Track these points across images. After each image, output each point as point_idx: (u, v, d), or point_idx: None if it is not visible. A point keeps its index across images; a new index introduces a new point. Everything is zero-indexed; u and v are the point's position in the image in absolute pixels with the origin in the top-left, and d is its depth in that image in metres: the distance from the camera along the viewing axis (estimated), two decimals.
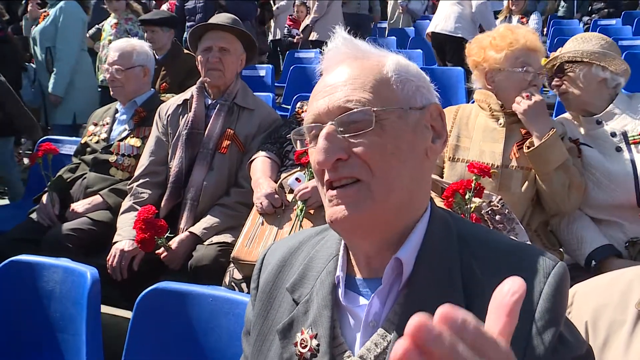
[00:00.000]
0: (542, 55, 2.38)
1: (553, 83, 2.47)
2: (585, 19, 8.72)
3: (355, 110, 0.89)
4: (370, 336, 0.91)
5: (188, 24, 5.47)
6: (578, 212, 2.32)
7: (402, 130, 0.91)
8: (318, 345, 0.94)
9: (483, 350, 0.49)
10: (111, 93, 3.28)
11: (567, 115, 2.51)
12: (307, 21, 7.73)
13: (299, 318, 0.98)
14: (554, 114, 4.52)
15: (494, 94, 2.35)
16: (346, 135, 0.90)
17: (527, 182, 2.26)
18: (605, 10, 8.47)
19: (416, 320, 0.47)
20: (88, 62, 5.40)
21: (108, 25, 5.52)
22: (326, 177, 0.92)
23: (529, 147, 2.21)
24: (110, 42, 5.07)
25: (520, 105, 2.25)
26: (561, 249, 2.40)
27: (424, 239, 0.94)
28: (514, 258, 0.91)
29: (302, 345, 0.95)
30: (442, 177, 2.34)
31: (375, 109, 0.89)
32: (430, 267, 0.91)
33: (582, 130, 2.39)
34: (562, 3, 9.60)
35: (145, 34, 4.60)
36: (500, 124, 2.32)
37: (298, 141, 1.00)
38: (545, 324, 0.86)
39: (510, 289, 0.53)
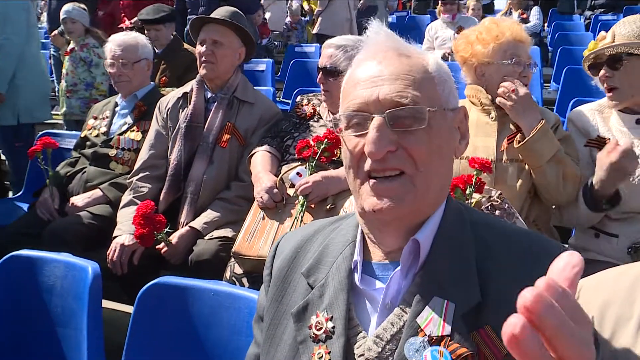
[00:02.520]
0: (529, 45, 2.34)
1: (602, 74, 2.21)
2: (587, 13, 8.69)
3: (410, 106, 0.93)
4: (387, 317, 0.94)
5: (189, 17, 5.44)
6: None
7: (443, 130, 0.96)
8: (333, 327, 0.96)
9: (578, 320, 0.50)
10: (115, 87, 3.25)
11: (584, 108, 2.35)
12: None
13: (314, 301, 1.00)
14: (555, 109, 4.52)
15: (483, 89, 2.34)
16: (396, 129, 0.93)
17: (522, 175, 2.25)
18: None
19: (531, 292, 0.48)
20: (34, 54, 4.69)
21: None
22: (367, 166, 0.95)
23: (519, 142, 2.19)
24: (68, 73, 4.83)
25: (506, 101, 2.22)
26: (564, 245, 2.39)
27: (440, 223, 0.98)
28: (524, 242, 0.96)
29: (317, 327, 0.97)
30: None
31: (429, 108, 0.93)
32: (445, 249, 0.95)
33: (612, 125, 2.24)
34: None
35: (147, 33, 4.47)
36: (492, 117, 2.32)
37: (334, 127, 1.03)
38: None
39: (569, 262, 0.54)
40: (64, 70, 4.93)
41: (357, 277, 0.99)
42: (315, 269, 1.04)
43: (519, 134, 2.21)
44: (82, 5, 5.01)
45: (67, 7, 4.94)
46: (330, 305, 0.98)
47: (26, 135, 4.54)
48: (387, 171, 0.94)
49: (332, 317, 0.97)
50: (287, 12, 8.90)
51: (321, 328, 0.97)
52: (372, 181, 0.95)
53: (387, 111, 0.93)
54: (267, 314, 1.07)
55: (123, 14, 5.81)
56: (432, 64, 0.99)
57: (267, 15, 8.12)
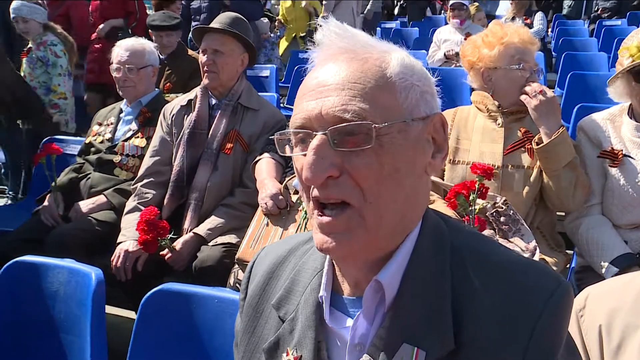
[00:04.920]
0: (536, 49, 2.33)
1: None
2: (592, 16, 8.70)
3: (353, 123, 0.79)
4: None
5: (193, 23, 5.46)
6: (600, 217, 2.23)
7: (402, 147, 0.81)
8: None
9: None
10: (120, 92, 3.26)
11: (595, 117, 2.31)
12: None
13: (284, 337, 0.92)
14: None
15: (490, 95, 2.33)
16: (340, 148, 0.80)
17: (529, 182, 2.24)
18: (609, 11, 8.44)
19: None
20: None
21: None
22: (313, 192, 0.83)
23: (538, 144, 2.18)
24: (26, 76, 4.34)
25: (532, 100, 2.20)
26: (568, 251, 2.38)
27: (412, 256, 0.86)
28: (511, 275, 0.83)
29: None
30: (442, 179, 2.33)
31: (376, 125, 0.78)
32: (416, 287, 0.84)
33: (624, 135, 2.20)
34: (568, 1, 9.55)
35: (155, 39, 4.40)
36: (499, 124, 2.31)
37: (287, 145, 0.87)
38: (539, 357, 0.78)
39: None
40: (21, 74, 4.43)
41: (325, 313, 0.89)
42: (285, 300, 0.95)
43: (538, 136, 2.20)
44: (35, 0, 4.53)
45: (15, 4, 4.42)
46: (299, 343, 0.90)
47: None
48: (330, 199, 0.81)
49: (301, 356, 0.89)
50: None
51: None
52: (319, 217, 0.83)
53: (330, 128, 0.79)
54: (240, 344, 1.00)
55: (94, 15, 5.69)
56: (395, 65, 0.83)
57: None
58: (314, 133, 0.81)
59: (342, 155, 0.80)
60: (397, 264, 0.85)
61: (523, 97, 2.24)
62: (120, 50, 3.19)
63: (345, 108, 0.79)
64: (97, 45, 5.55)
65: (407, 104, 0.82)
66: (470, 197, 2.03)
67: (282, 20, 8.16)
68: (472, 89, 2.49)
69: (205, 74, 2.80)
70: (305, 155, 0.82)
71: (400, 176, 0.81)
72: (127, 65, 3.15)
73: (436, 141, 0.87)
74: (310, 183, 0.81)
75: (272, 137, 2.75)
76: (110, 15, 5.57)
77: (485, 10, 7.63)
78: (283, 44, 8.08)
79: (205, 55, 2.79)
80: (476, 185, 2.03)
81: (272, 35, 8.01)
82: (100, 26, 5.53)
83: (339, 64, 0.83)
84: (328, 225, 0.82)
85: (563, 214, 2.38)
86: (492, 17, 8.44)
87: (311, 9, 7.30)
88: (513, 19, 7.46)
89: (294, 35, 7.86)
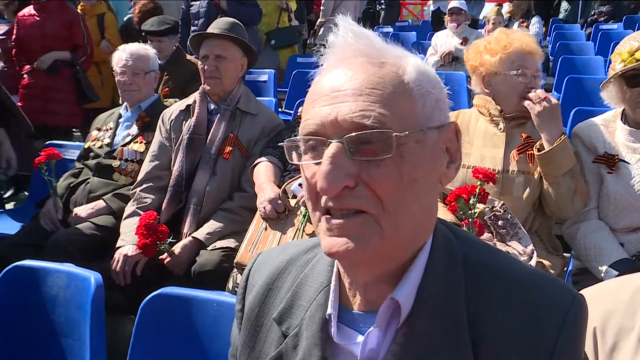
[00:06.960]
0: (539, 57, 2.34)
1: None
2: (590, 20, 8.73)
3: (373, 130, 0.75)
4: None
5: (192, 27, 5.46)
6: (597, 221, 2.25)
7: (420, 157, 0.78)
8: None
9: None
10: (122, 96, 3.25)
11: (589, 123, 2.32)
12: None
13: (287, 353, 0.88)
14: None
15: (492, 99, 2.35)
16: (356, 157, 0.76)
17: (529, 187, 2.25)
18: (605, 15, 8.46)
19: None
20: None
21: None
22: (324, 202, 0.78)
23: (539, 150, 2.19)
24: None
25: (535, 106, 2.21)
26: (565, 254, 2.39)
27: (425, 272, 0.83)
28: (526, 290, 0.82)
29: None
30: None
31: (397, 133, 0.75)
32: (431, 303, 0.81)
33: (618, 140, 2.22)
34: (565, 5, 9.58)
35: (150, 44, 4.45)
36: (500, 129, 2.32)
37: (294, 152, 0.83)
38: None
39: None
40: None
41: (333, 331, 0.85)
42: (288, 313, 0.90)
43: (539, 142, 2.21)
44: None
45: None
46: None
47: None
48: (344, 210, 0.77)
49: None
50: None
51: None
52: (332, 220, 0.78)
53: (347, 136, 0.75)
54: (240, 358, 0.96)
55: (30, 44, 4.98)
56: (412, 71, 0.80)
57: None
58: (329, 141, 0.77)
59: (358, 165, 0.76)
60: (412, 280, 0.82)
61: (526, 103, 2.25)
62: (125, 54, 3.20)
63: (365, 114, 0.75)
64: (32, 80, 4.88)
65: (424, 112, 0.80)
66: (471, 201, 2.03)
67: None
68: (470, 92, 2.50)
69: (207, 80, 2.81)
70: (316, 163, 0.78)
71: (418, 187, 0.78)
72: (133, 69, 3.16)
73: (450, 151, 0.84)
74: (325, 193, 0.77)
75: (271, 141, 2.78)
76: (54, 46, 4.93)
77: (471, 14, 7.58)
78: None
79: (207, 61, 2.79)
80: (477, 190, 2.03)
81: None
82: (42, 57, 4.87)
83: (354, 68, 0.79)
84: (341, 227, 0.77)
85: None
86: (476, 21, 8.47)
87: (284, 5, 7.00)
88: (510, 20, 7.49)
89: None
